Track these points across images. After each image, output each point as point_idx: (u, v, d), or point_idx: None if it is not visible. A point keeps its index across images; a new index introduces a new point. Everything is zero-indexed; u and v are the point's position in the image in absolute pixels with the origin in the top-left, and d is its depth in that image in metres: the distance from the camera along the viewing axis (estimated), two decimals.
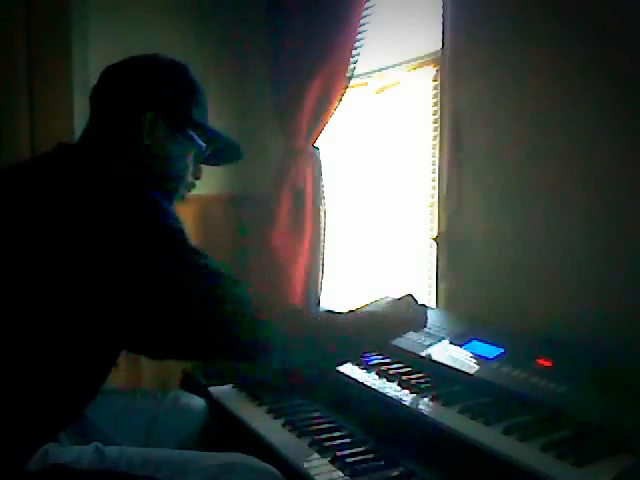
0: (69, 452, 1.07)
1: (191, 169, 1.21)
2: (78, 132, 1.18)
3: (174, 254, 0.97)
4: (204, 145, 1.21)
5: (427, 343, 1.40)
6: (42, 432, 1.03)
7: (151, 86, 1.14)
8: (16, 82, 2.20)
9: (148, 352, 1.06)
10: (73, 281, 0.93)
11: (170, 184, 1.18)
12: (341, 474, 1.12)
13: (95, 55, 2.12)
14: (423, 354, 1.36)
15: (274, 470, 1.10)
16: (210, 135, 1.22)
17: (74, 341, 0.96)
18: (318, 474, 1.13)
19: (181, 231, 0.99)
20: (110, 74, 1.17)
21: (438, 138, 1.80)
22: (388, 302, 1.30)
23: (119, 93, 1.14)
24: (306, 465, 1.16)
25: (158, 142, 1.13)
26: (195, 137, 1.18)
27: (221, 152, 1.28)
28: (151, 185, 1.12)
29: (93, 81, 1.19)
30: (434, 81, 1.85)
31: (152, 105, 1.12)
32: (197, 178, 1.25)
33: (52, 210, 0.96)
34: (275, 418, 1.36)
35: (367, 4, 1.92)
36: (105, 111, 1.15)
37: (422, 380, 1.28)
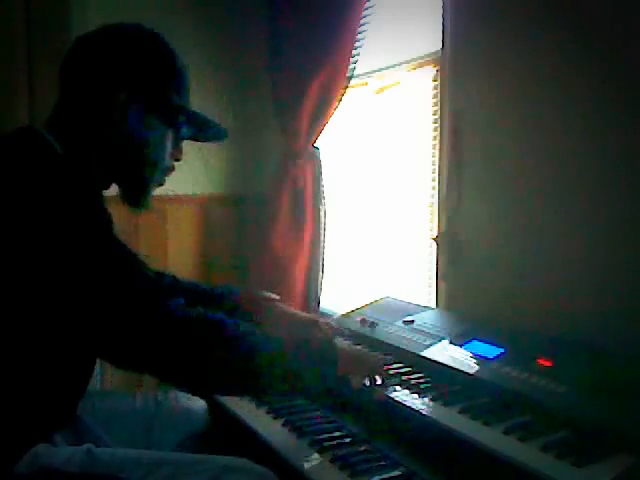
0: (60, 454, 1.06)
1: (169, 151, 1.13)
2: None
3: (95, 249, 0.93)
4: (183, 127, 1.13)
5: (427, 343, 1.40)
6: (29, 433, 1.02)
7: (125, 63, 1.04)
8: (16, 71, 2.20)
9: (107, 351, 1.01)
10: (22, 278, 0.91)
11: (144, 171, 1.10)
12: (341, 474, 1.12)
13: None
14: (423, 354, 1.36)
15: (270, 473, 1.09)
16: (190, 117, 1.14)
17: (44, 338, 0.96)
18: (318, 474, 1.13)
19: (104, 226, 0.96)
20: (82, 45, 1.07)
21: (438, 138, 1.80)
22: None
23: (89, 69, 1.04)
24: (306, 465, 1.16)
25: (131, 125, 1.05)
26: (172, 117, 1.10)
27: (205, 130, 1.20)
28: (121, 173, 1.09)
29: None
30: (434, 81, 1.85)
31: (125, 84, 1.03)
32: (177, 160, 1.16)
33: None
34: (275, 418, 1.36)
35: (367, 4, 1.92)
36: (74, 89, 1.05)
37: (422, 380, 1.28)
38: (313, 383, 1.09)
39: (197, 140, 1.24)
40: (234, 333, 1.02)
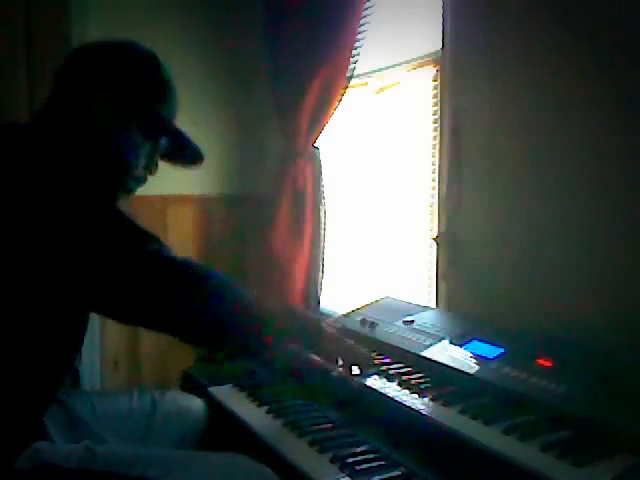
0: (59, 450, 1.07)
1: (144, 162, 1.15)
2: None
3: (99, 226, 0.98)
4: (161, 139, 1.16)
5: (427, 343, 1.40)
6: (24, 414, 1.04)
7: (110, 68, 1.10)
8: (15, 72, 2.21)
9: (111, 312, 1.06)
10: (25, 258, 0.94)
11: (116, 173, 1.12)
12: (341, 474, 1.12)
13: None
14: (423, 354, 1.36)
15: (268, 470, 1.10)
16: (171, 133, 1.16)
17: (38, 311, 0.98)
18: (318, 474, 1.13)
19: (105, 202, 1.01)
20: (77, 52, 1.14)
21: (438, 138, 1.80)
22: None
23: (77, 71, 1.11)
24: (306, 465, 1.16)
25: (108, 126, 1.08)
26: (152, 129, 1.13)
27: (184, 153, 1.23)
28: (95, 171, 1.09)
29: None
30: (434, 81, 1.85)
31: (107, 87, 1.08)
32: (151, 173, 1.19)
33: None
34: (275, 418, 1.36)
35: (367, 4, 1.92)
36: (61, 88, 1.11)
37: (422, 380, 1.28)
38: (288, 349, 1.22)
39: (174, 163, 1.26)
40: (220, 280, 1.08)
